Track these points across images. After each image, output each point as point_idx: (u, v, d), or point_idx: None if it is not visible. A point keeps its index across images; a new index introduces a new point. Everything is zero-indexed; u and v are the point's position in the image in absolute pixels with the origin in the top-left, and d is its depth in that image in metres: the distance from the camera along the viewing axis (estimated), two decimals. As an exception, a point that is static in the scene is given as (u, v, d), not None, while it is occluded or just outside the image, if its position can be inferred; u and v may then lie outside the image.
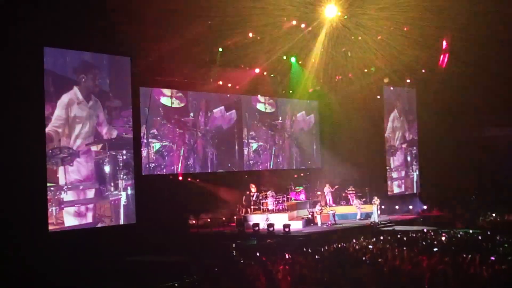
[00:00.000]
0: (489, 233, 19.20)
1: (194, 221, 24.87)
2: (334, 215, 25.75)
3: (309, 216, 25.99)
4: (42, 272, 16.30)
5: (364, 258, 14.27)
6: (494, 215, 25.43)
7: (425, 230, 21.73)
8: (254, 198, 26.16)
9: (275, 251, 17.37)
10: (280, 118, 30.18)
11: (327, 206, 26.87)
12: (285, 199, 26.44)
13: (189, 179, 25.84)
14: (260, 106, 29.26)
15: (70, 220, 18.77)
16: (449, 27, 25.95)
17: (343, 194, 28.43)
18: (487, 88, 29.32)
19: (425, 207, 30.18)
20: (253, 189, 26.48)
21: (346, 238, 19.77)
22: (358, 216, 27.00)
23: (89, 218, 19.31)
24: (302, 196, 28.27)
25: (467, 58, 27.94)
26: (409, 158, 32.67)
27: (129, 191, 20.55)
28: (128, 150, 20.69)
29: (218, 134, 27.17)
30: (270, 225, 23.09)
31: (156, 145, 24.73)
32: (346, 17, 22.99)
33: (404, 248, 16.06)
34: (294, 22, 22.90)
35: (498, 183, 30.96)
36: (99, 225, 19.57)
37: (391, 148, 31.58)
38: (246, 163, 28.48)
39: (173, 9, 19.52)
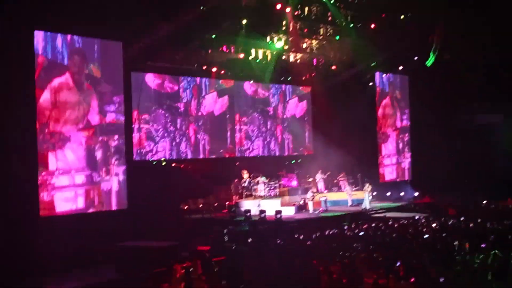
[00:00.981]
0: (479, 220, 19.31)
1: (186, 207, 24.86)
2: (326, 202, 25.83)
3: (301, 202, 26.04)
4: (34, 257, 16.31)
5: (355, 245, 14.34)
6: (484, 202, 25.57)
7: (416, 217, 21.86)
8: (246, 184, 26.15)
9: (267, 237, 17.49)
10: (273, 104, 30.12)
11: (319, 192, 26.91)
12: (277, 185, 26.46)
13: (181, 165, 25.80)
14: (252, 92, 29.19)
15: (61, 205, 18.68)
16: (441, 16, 26.03)
17: (335, 181, 28.48)
18: (478, 75, 29.46)
19: (416, 193, 30.31)
20: (245, 175, 26.47)
21: (337, 224, 19.89)
22: (350, 203, 27.08)
23: (80, 204, 19.23)
24: (294, 182, 28.30)
25: (459, 45, 28.06)
26: (401, 145, 32.77)
27: (121, 177, 20.48)
28: (120, 135, 20.58)
29: (210, 120, 27.10)
30: (262, 211, 23.10)
31: (148, 130, 24.64)
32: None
33: (394, 235, 16.19)
34: (288, 10, 22.83)
35: (490, 170, 31.12)
36: (90, 210, 19.50)
37: (383, 135, 31.65)
38: (238, 149, 28.45)
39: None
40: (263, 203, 24.64)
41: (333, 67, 29.21)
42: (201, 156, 26.71)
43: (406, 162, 32.94)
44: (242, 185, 26.14)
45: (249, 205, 24.47)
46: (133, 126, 23.04)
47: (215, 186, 26.18)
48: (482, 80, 29.92)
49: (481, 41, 28.13)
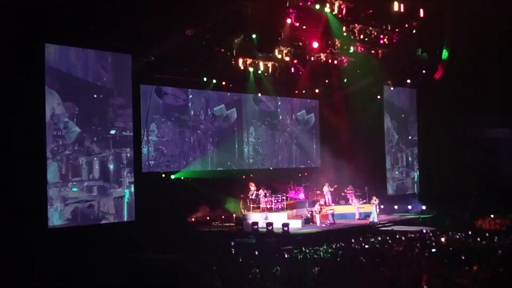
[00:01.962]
0: (487, 234, 19.25)
1: (193, 219, 24.90)
2: (333, 215, 25.78)
3: (308, 215, 26.01)
4: (43, 269, 16.37)
5: (362, 259, 14.32)
6: (492, 216, 25.43)
7: (424, 231, 21.77)
8: (253, 197, 26.16)
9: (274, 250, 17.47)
10: (281, 117, 30.20)
11: (326, 205, 26.87)
12: (284, 198, 26.46)
13: (189, 177, 25.85)
14: (260, 105, 29.28)
15: (73, 216, 18.78)
16: (449, 29, 26.05)
17: (342, 194, 28.45)
18: (487, 89, 29.40)
19: (424, 207, 30.19)
20: (253, 187, 26.49)
21: (345, 238, 19.83)
22: (357, 216, 27.03)
23: (92, 215, 19.33)
24: (302, 195, 28.29)
25: (468, 59, 28.03)
26: (410, 159, 32.70)
27: (132, 189, 20.61)
28: (130, 147, 20.73)
29: (218, 132, 27.20)
30: (269, 224, 23.10)
31: (156, 142, 24.76)
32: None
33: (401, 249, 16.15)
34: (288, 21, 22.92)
35: (497, 184, 30.99)
36: (103, 222, 19.60)
37: (391, 148, 31.62)
38: (246, 161, 28.50)
39: (173, 6, 19.52)
40: (270, 215, 24.64)
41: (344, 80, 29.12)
42: (209, 168, 26.77)
43: (414, 175, 32.86)
44: (250, 197, 26.15)
45: (256, 218, 24.48)
46: (142, 138, 23.17)
47: (223, 199, 26.21)
48: (491, 94, 29.87)
49: (491, 53, 28.17)
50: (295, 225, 24.33)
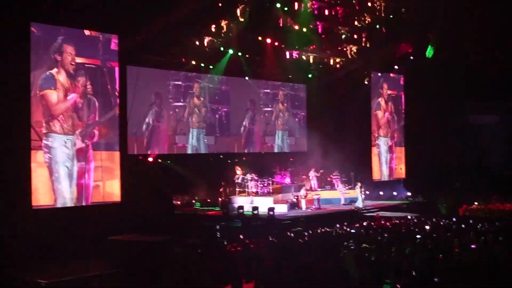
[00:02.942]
0: (471, 221, 19.42)
1: (178, 202, 24.86)
2: (318, 200, 25.86)
3: (294, 199, 26.07)
4: (24, 248, 16.31)
5: (346, 243, 14.35)
6: (476, 203, 25.65)
7: (408, 217, 21.92)
8: (239, 181, 26.16)
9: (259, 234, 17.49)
10: (268, 102, 30.11)
11: (312, 190, 26.95)
12: (271, 182, 26.48)
13: (176, 159, 25.76)
14: (248, 89, 29.16)
15: (55, 198, 18.62)
16: (436, 17, 26.10)
17: (328, 179, 28.53)
18: (474, 75, 29.53)
19: (409, 193, 30.38)
20: (239, 171, 26.48)
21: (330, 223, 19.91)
22: (342, 201, 27.14)
23: (75, 196, 19.16)
24: (288, 180, 28.33)
25: (455, 45, 28.13)
26: (395, 144, 32.82)
27: (116, 170, 20.40)
28: (115, 129, 20.49)
29: (206, 116, 27.07)
30: (255, 208, 23.14)
31: (144, 125, 24.61)
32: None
33: (386, 235, 16.21)
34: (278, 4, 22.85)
35: (482, 170, 31.24)
36: (83, 203, 19.42)
37: (377, 133, 31.69)
38: (233, 145, 28.43)
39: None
40: (256, 200, 24.67)
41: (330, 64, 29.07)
42: (197, 151, 26.68)
43: (400, 161, 32.99)
44: (235, 181, 26.14)
45: (242, 202, 24.49)
46: (129, 120, 22.95)
47: (209, 182, 26.19)
48: (475, 81, 30.00)
49: (478, 40, 28.26)
50: (281, 209, 24.40)
